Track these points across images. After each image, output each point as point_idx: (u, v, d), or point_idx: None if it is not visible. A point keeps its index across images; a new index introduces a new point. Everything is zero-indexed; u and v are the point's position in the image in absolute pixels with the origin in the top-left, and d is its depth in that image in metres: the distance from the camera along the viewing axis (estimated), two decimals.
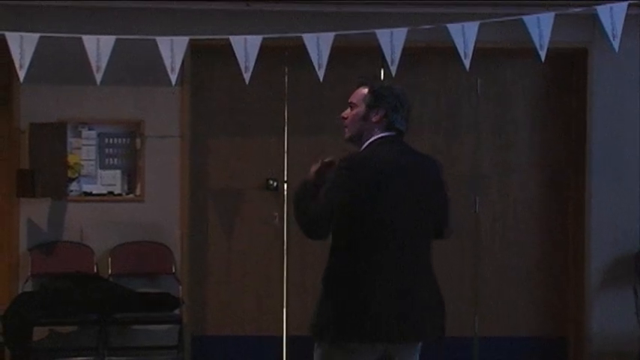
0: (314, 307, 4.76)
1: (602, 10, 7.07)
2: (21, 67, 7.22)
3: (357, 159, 4.74)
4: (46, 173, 8.13)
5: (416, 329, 4.69)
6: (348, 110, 4.96)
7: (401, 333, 4.65)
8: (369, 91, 4.88)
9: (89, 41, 7.26)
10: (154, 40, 7.34)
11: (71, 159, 8.37)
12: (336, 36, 7.36)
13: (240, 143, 8.67)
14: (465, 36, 7.22)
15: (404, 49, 7.30)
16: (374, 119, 4.83)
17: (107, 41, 7.26)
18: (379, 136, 4.82)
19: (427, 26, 7.48)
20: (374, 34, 7.33)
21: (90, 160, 8.45)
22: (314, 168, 4.82)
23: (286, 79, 8.63)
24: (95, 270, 8.32)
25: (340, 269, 4.71)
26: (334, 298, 4.68)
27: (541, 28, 7.13)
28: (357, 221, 4.64)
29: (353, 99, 4.95)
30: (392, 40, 7.30)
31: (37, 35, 7.25)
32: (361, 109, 4.88)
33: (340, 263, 4.70)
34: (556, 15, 7.18)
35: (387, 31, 7.32)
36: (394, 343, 4.65)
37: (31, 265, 8.27)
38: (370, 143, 4.81)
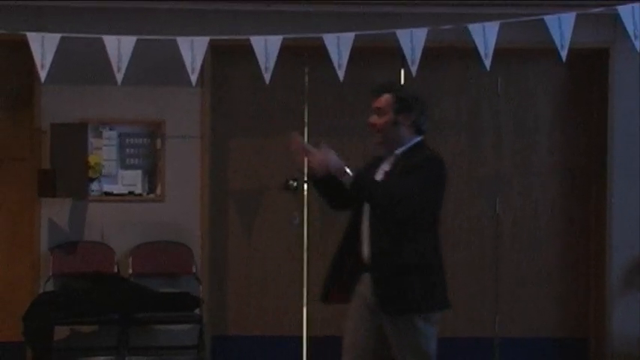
0: (394, 286, 5.11)
1: (624, 10, 7.05)
2: (42, 67, 7.25)
3: (440, 159, 5.22)
4: (67, 173, 8.16)
5: None
6: (375, 117, 5.34)
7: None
8: (397, 98, 5.27)
9: (110, 41, 7.28)
10: (175, 40, 7.36)
11: (92, 159, 8.39)
12: (356, 36, 7.36)
13: (260, 143, 8.68)
14: (485, 36, 7.21)
15: (424, 50, 7.30)
16: (405, 124, 5.25)
17: (128, 41, 7.29)
18: (417, 140, 5.28)
19: (448, 26, 7.47)
20: (394, 34, 7.33)
21: (111, 160, 8.47)
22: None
23: (306, 80, 8.63)
24: (116, 270, 8.34)
25: (426, 251, 5.16)
26: (424, 276, 5.13)
27: (562, 28, 7.12)
28: (438, 211, 5.24)
29: (379, 105, 5.32)
30: (412, 41, 7.29)
31: (58, 36, 7.28)
32: (390, 115, 5.27)
33: (425, 246, 5.16)
34: (577, 15, 7.16)
35: (407, 31, 7.32)
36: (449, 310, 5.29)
37: (52, 265, 8.29)
38: (414, 146, 5.25)
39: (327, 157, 5.12)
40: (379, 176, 5.28)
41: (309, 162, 5.23)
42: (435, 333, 5.24)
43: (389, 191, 5.07)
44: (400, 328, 5.17)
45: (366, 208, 5.25)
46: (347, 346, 5.42)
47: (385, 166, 5.29)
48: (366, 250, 5.25)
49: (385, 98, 5.29)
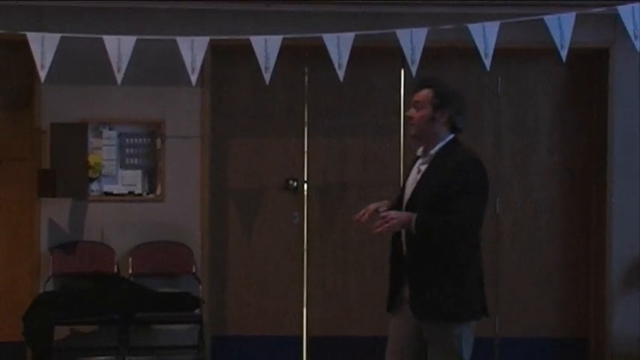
0: (436, 295, 5.11)
1: (624, 10, 7.05)
2: (42, 67, 7.25)
3: (480, 161, 5.22)
4: (66, 173, 8.16)
5: None
6: (413, 110, 5.29)
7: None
8: (436, 94, 5.25)
9: (110, 41, 7.28)
10: (175, 40, 7.35)
11: (92, 159, 8.39)
12: (356, 36, 7.36)
13: (260, 143, 8.68)
14: (485, 36, 7.20)
15: (424, 49, 7.29)
16: (440, 120, 5.24)
17: (128, 41, 7.29)
18: (451, 137, 5.28)
19: (448, 26, 7.47)
20: (394, 34, 7.32)
21: (111, 160, 8.47)
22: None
23: (306, 79, 8.63)
24: (116, 270, 8.34)
25: (465, 260, 5.17)
26: (459, 285, 5.14)
27: (562, 28, 7.11)
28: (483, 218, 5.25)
29: (418, 98, 5.29)
30: (412, 40, 7.29)
31: (58, 35, 7.27)
32: (428, 110, 5.24)
33: (463, 254, 5.16)
34: (577, 15, 7.15)
35: (407, 31, 7.32)
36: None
37: (52, 265, 8.29)
38: (448, 144, 5.25)
39: (398, 216, 5.14)
40: (414, 175, 5.29)
41: (386, 222, 5.12)
42: (472, 338, 5.24)
43: (454, 226, 5.08)
44: (435, 333, 5.18)
45: None
46: (390, 345, 5.38)
47: (421, 166, 5.28)
48: (406, 259, 5.27)
49: (425, 93, 5.27)
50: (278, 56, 7.33)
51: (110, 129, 8.48)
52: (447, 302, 5.11)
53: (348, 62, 7.35)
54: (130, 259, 8.37)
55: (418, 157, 5.35)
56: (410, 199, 5.24)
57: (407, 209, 5.22)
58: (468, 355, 5.22)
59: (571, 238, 8.79)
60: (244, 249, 8.68)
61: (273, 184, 8.67)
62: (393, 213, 5.13)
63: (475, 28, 7.22)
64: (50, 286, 8.26)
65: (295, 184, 8.64)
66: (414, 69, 7.30)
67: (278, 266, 8.68)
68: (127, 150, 8.50)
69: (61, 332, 8.18)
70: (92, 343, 8.31)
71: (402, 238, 5.26)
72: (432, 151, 5.24)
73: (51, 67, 7.25)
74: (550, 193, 8.79)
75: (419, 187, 5.22)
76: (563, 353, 8.76)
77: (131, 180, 8.49)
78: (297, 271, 8.67)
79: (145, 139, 8.51)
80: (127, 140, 8.50)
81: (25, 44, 7.28)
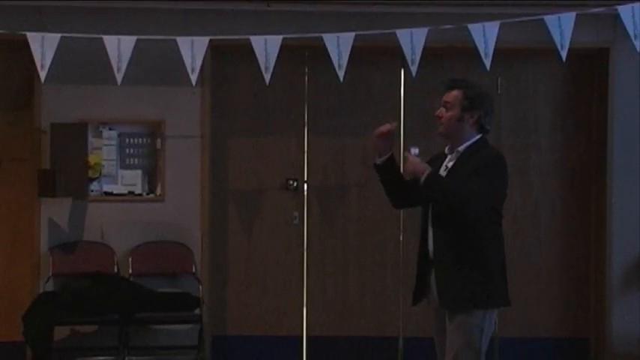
0: (453, 281, 5.21)
1: (624, 10, 7.04)
2: (42, 67, 7.24)
3: (503, 157, 5.34)
4: (66, 173, 8.16)
5: None
6: (443, 110, 5.38)
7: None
8: (465, 95, 5.35)
9: (110, 41, 7.27)
10: (175, 40, 7.35)
11: (92, 159, 8.39)
12: (356, 36, 7.35)
13: (260, 143, 8.68)
14: (485, 36, 7.20)
15: (424, 49, 7.29)
16: (469, 122, 5.34)
17: (128, 41, 7.28)
18: (478, 137, 5.36)
19: (448, 26, 7.47)
20: (394, 34, 7.32)
21: (110, 160, 8.47)
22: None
23: (306, 79, 8.63)
24: (116, 270, 8.34)
25: (487, 247, 5.24)
26: (484, 272, 5.21)
27: (562, 28, 7.11)
28: (501, 208, 5.34)
29: (448, 99, 5.38)
30: (412, 40, 7.28)
31: (58, 35, 7.27)
32: (457, 111, 5.34)
33: (486, 242, 5.24)
34: (577, 15, 7.15)
35: (407, 31, 7.31)
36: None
37: (52, 265, 8.29)
38: (475, 143, 5.33)
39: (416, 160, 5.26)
40: (441, 172, 5.36)
41: (406, 163, 5.29)
42: (491, 331, 5.32)
43: (459, 192, 5.15)
44: (457, 322, 5.22)
45: (431, 209, 5.33)
46: (436, 346, 5.49)
47: (448, 163, 5.37)
48: (431, 248, 5.34)
49: (455, 94, 5.36)
50: (278, 56, 7.32)
51: (110, 129, 8.48)
52: (472, 289, 5.19)
53: (348, 62, 7.34)
54: (130, 259, 8.37)
55: (445, 155, 5.43)
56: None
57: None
58: (484, 348, 5.28)
59: (571, 238, 8.79)
60: (244, 249, 8.68)
61: (273, 184, 8.67)
62: (415, 158, 5.24)
63: (475, 28, 7.21)
64: (50, 286, 8.25)
65: (295, 184, 8.64)
66: (414, 69, 7.29)
67: (278, 266, 8.68)
68: (127, 150, 8.50)
69: (61, 332, 8.18)
70: (92, 343, 8.31)
71: (429, 234, 5.33)
72: (460, 148, 5.34)
73: (51, 67, 7.24)
74: (550, 193, 8.79)
75: None
76: (563, 353, 8.76)
77: (131, 180, 8.49)
78: (297, 271, 8.67)
79: (145, 139, 8.51)
80: (127, 140, 8.50)
81: (25, 44, 7.27)
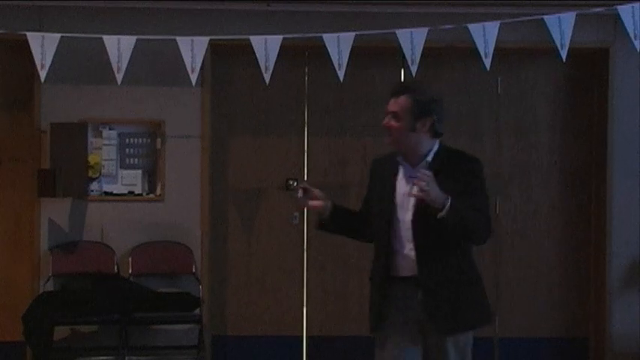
0: (450, 305, 4.91)
1: (624, 10, 7.05)
2: (42, 67, 7.24)
3: (480, 159, 4.98)
4: (66, 173, 8.16)
5: None
6: (392, 120, 4.90)
7: None
8: (415, 102, 4.85)
9: (110, 41, 7.28)
10: (175, 40, 7.35)
11: (92, 159, 8.39)
12: (356, 36, 7.36)
13: (260, 143, 8.68)
14: (485, 36, 7.20)
15: (424, 49, 7.29)
16: (423, 130, 4.87)
17: (128, 41, 7.28)
18: (439, 146, 4.91)
19: (448, 26, 7.47)
20: (394, 34, 7.32)
21: (110, 159, 8.47)
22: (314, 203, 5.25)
23: (306, 79, 8.63)
24: (116, 270, 8.34)
25: (472, 265, 5.03)
26: (479, 290, 5.03)
27: (562, 27, 7.11)
28: None
29: (395, 108, 4.89)
30: (412, 40, 7.29)
31: (58, 35, 7.27)
32: (407, 121, 4.85)
33: (473, 259, 5.04)
34: (577, 15, 7.15)
35: (407, 31, 7.31)
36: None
37: (51, 265, 8.29)
38: (440, 150, 4.90)
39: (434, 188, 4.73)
40: (402, 185, 4.96)
41: (424, 193, 4.68)
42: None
43: (482, 221, 4.85)
44: (452, 342, 4.93)
45: (402, 226, 4.96)
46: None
47: (412, 174, 4.86)
48: (406, 267, 5.02)
49: (402, 101, 4.85)
50: (278, 56, 7.33)
51: (110, 129, 8.48)
52: (472, 309, 4.95)
53: (348, 62, 7.35)
54: (130, 259, 8.37)
55: (397, 162, 5.00)
56: (418, 209, 4.86)
57: (415, 220, 4.89)
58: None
59: (571, 237, 8.78)
60: (244, 249, 8.68)
61: (273, 184, 8.67)
62: (429, 184, 4.68)
63: (475, 28, 7.22)
64: (50, 286, 8.26)
65: (295, 183, 8.63)
66: (414, 69, 7.30)
67: (278, 266, 8.68)
68: (127, 150, 8.50)
69: (61, 332, 8.18)
70: (92, 343, 8.31)
71: (406, 250, 4.99)
72: (429, 158, 4.89)
73: (51, 67, 7.25)
74: (550, 193, 8.79)
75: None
76: (563, 353, 8.76)
77: (131, 180, 8.49)
78: (297, 270, 8.67)
79: (145, 139, 8.51)
80: (127, 140, 8.50)
81: (25, 44, 7.27)
